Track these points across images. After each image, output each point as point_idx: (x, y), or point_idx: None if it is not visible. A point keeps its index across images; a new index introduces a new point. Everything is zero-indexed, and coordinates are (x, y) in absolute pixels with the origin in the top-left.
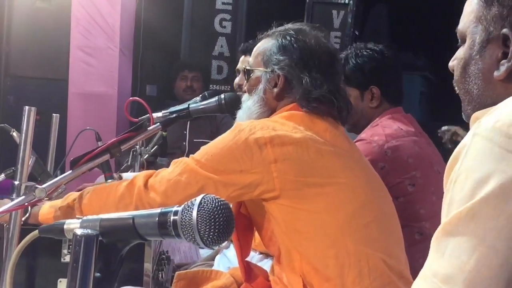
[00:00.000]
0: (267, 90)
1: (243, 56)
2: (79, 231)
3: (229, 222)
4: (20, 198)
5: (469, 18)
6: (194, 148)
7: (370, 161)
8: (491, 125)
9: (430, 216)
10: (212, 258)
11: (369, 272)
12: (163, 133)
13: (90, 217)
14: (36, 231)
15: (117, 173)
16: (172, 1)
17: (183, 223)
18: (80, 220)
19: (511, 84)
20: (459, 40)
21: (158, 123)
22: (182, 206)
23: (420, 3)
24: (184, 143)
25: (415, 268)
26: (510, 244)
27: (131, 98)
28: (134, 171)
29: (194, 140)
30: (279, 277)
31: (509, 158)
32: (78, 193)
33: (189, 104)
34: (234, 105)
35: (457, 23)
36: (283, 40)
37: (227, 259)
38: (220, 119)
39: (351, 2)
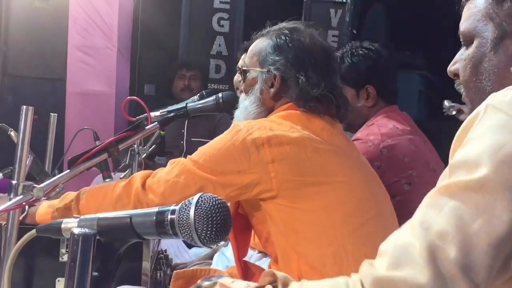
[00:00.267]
0: (264, 90)
1: (244, 55)
2: (76, 230)
3: (227, 220)
4: (18, 198)
5: (475, 18)
6: (192, 147)
7: None
8: (508, 99)
9: None
10: (210, 257)
11: None
12: (161, 132)
13: (87, 216)
14: (34, 231)
15: (114, 172)
16: (169, 0)
17: (181, 222)
18: (78, 219)
19: None
20: (462, 42)
21: (156, 122)
22: (180, 205)
23: (418, 1)
24: (182, 142)
25: None
26: None
27: (128, 97)
28: (132, 171)
29: (192, 139)
30: None
31: None
32: (75, 193)
33: (186, 103)
34: (231, 104)
35: (456, 21)
36: (278, 40)
37: (225, 258)
38: (218, 118)
39: (348, 0)
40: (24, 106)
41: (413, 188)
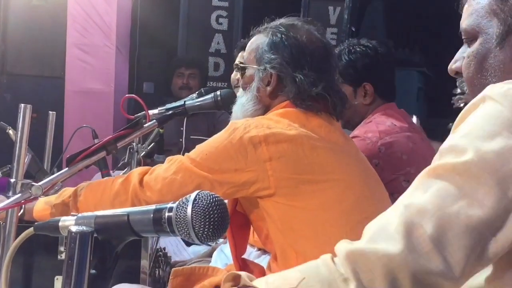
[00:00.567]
0: (261, 88)
1: (241, 52)
2: (74, 228)
3: (224, 218)
4: (16, 196)
5: (478, 14)
6: (191, 145)
7: None
8: (504, 90)
9: None
10: (209, 254)
11: None
12: (160, 130)
13: (85, 214)
14: (31, 229)
15: (113, 170)
16: None
17: (178, 219)
18: (75, 217)
19: None
20: (464, 39)
21: (154, 120)
22: (177, 202)
23: None
24: (181, 140)
25: None
26: (498, 204)
27: (127, 95)
28: (131, 169)
29: (191, 137)
30: None
31: None
32: (73, 188)
33: (185, 101)
34: (230, 101)
35: (455, 18)
36: (274, 38)
37: (224, 255)
38: (217, 116)
39: None
40: (23, 104)
41: None
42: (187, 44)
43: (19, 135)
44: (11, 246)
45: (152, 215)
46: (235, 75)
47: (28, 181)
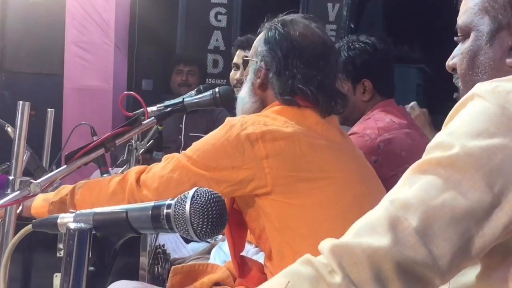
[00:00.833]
0: (253, 81)
1: (238, 50)
2: (72, 225)
3: (222, 214)
4: (15, 193)
5: (472, 11)
6: (190, 142)
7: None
8: (491, 87)
9: None
10: (208, 251)
11: None
12: (159, 127)
13: (83, 211)
14: (30, 226)
15: (112, 168)
16: None
17: (176, 216)
18: (74, 214)
19: None
20: (459, 36)
21: (153, 117)
22: (175, 199)
23: None
24: (180, 137)
25: None
26: (483, 198)
27: (125, 92)
28: (129, 166)
29: (190, 134)
30: (272, 273)
31: (501, 122)
32: (71, 186)
33: (183, 98)
34: (228, 98)
35: (453, 15)
36: (269, 33)
37: (223, 252)
38: (217, 113)
39: None
40: (21, 102)
41: None
42: (186, 41)
43: (17, 132)
44: (10, 243)
45: (150, 212)
46: (234, 75)
47: (27, 178)
